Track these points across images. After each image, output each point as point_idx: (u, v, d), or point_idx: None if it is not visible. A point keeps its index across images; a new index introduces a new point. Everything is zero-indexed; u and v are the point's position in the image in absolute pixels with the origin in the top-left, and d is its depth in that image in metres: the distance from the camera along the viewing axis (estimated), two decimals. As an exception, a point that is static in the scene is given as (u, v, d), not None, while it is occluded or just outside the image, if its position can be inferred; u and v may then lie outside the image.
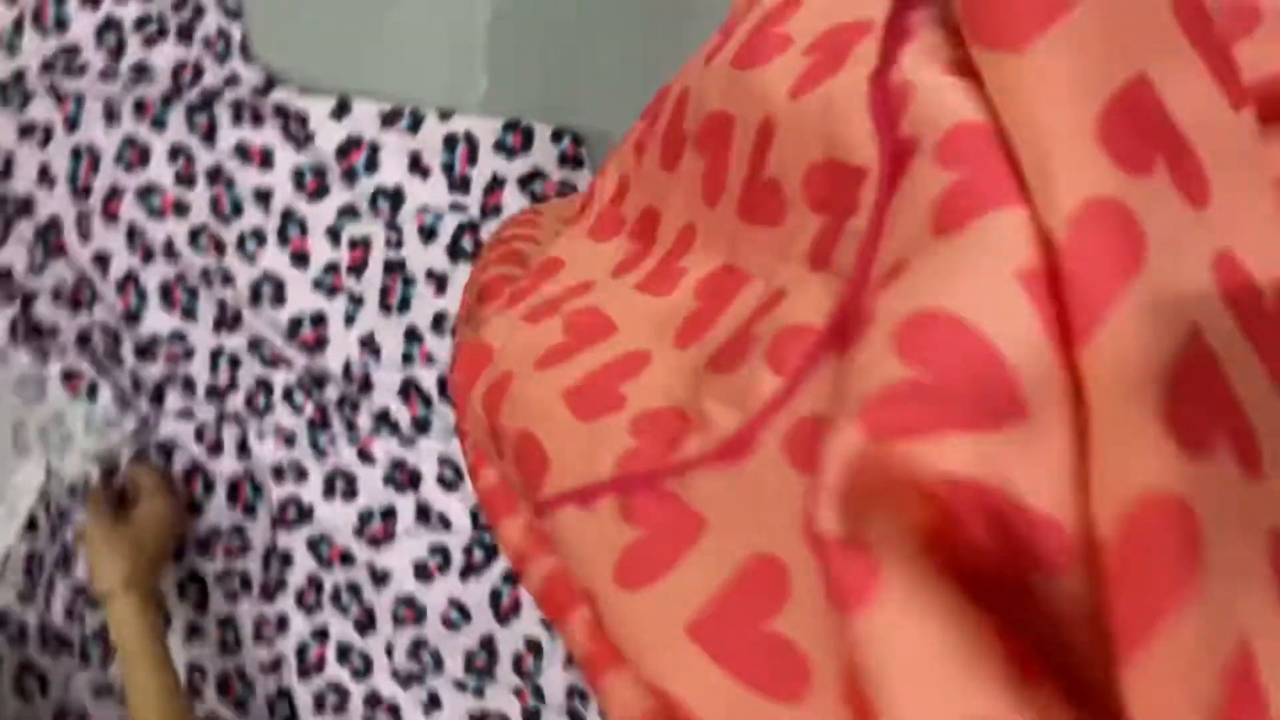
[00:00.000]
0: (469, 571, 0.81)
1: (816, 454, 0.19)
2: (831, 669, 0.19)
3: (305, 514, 0.84)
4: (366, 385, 0.82)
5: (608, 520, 0.25)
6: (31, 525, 0.90)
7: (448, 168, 0.78)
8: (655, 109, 0.35)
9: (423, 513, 0.82)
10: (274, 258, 0.83)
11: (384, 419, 0.82)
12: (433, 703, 0.83)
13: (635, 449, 0.26)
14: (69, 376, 0.89)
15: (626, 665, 0.23)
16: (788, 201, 0.25)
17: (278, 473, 0.84)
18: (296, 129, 0.80)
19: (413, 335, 0.80)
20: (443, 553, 0.81)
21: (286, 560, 0.85)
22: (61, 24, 0.86)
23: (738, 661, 0.21)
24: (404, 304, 0.80)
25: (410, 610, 0.82)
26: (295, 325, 0.83)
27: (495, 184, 0.77)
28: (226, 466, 0.86)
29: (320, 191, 0.81)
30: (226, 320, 0.85)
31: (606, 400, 0.28)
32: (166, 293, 0.86)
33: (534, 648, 0.80)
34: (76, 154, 0.87)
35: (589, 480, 0.26)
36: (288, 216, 0.82)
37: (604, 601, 0.24)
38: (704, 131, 0.29)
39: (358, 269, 0.81)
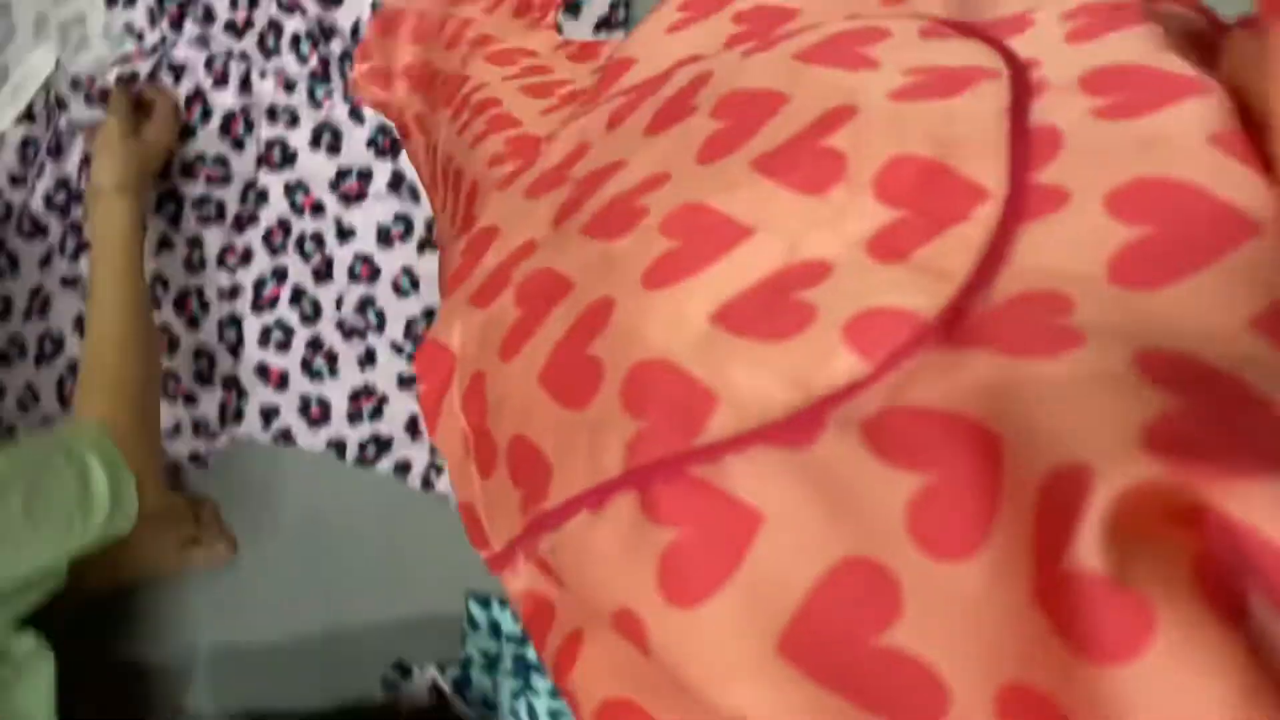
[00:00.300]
0: (427, 245, 0.86)
1: (926, 450, 0.18)
2: (980, 691, 0.17)
3: (289, 158, 0.89)
4: (371, 47, 0.85)
5: (627, 523, 0.22)
6: (29, 115, 0.94)
7: None
8: (648, 89, 0.33)
9: (396, 180, 0.86)
10: None
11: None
12: (369, 358, 0.89)
13: (642, 431, 0.23)
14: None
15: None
16: (848, 177, 0.24)
17: (271, 114, 0.89)
18: None
19: (424, 7, 0.83)
20: (405, 222, 0.86)
21: (262, 198, 0.90)
22: None
23: (849, 681, 0.19)
24: (422, -26, 0.83)
25: (366, 268, 0.88)
26: None
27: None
28: (227, 99, 0.90)
29: None
30: None
31: (587, 373, 0.24)
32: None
33: (470, 327, 0.86)
34: None
35: (598, 479, 0.23)
36: None
37: (652, 622, 0.21)
38: (737, 102, 0.28)
39: None
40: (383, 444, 0.90)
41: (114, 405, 0.73)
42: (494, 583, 0.86)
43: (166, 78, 0.91)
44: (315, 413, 0.91)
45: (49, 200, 0.95)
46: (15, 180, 0.96)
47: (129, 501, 0.72)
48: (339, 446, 0.91)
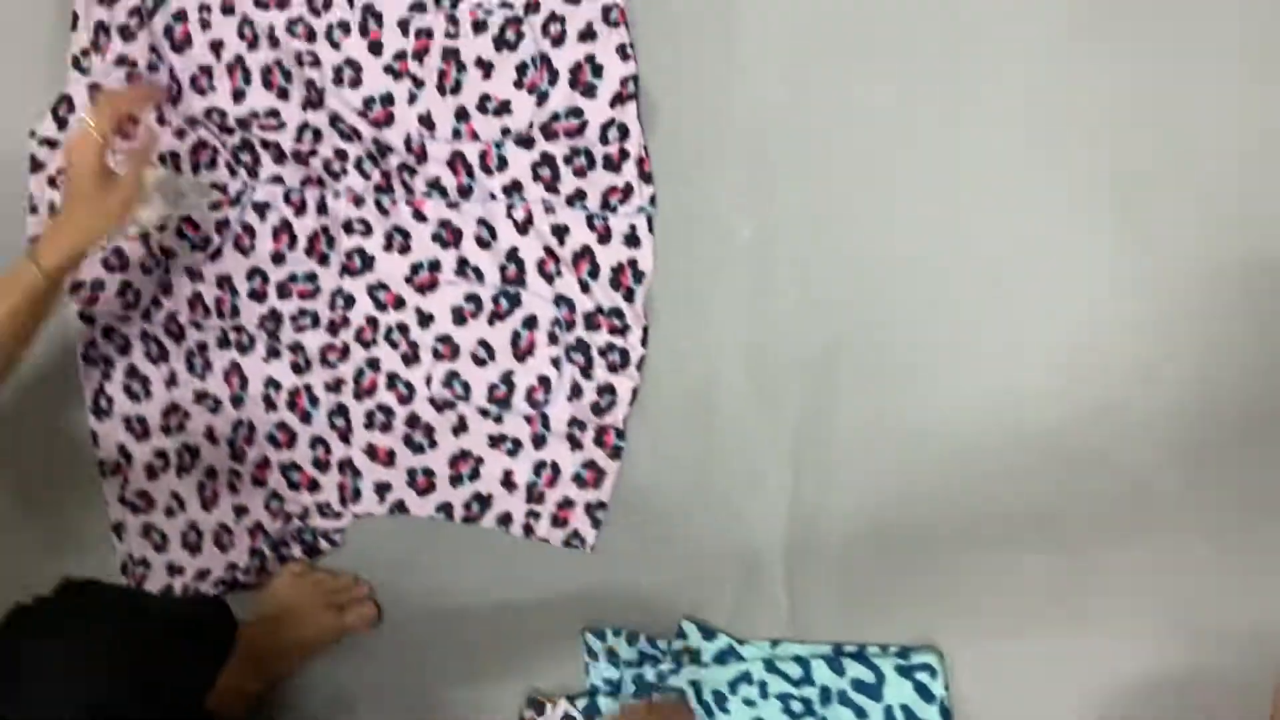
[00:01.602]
0: (495, 317, 0.98)
1: None
2: None
3: (368, 263, 1.02)
4: (423, 156, 0.98)
5: None
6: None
7: (499, -30, 0.92)
8: None
9: (461, 265, 0.98)
10: (354, 45, 0.99)
11: (435, 185, 0.98)
12: (461, 425, 1.00)
13: None
14: (197, 148, 1.07)
15: None
16: None
17: (347, 227, 1.02)
18: (378, -68, 0.96)
19: (462, 114, 0.96)
20: (475, 300, 0.98)
21: (350, 301, 1.03)
22: None
23: None
24: (456, 87, 0.95)
25: (447, 347, 1.00)
26: (368, 104, 0.99)
27: (538, -15, 0.91)
28: (308, 223, 1.03)
29: (395, -11, 0.97)
30: (313, 99, 1.01)
31: None
32: (267, 75, 1.03)
33: (544, 383, 0.96)
34: (200, -46, 1.04)
35: None
36: (368, 10, 0.98)
37: None
38: None
39: (420, 55, 0.96)
40: (484, 501, 1.00)
41: None
42: (603, 614, 0.96)
43: (253, 216, 1.05)
44: (422, 482, 1.02)
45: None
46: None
47: None
48: (446, 509, 1.02)
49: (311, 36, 1.00)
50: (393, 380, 1.02)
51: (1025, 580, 0.84)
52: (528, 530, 0.99)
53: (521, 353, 0.97)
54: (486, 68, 0.94)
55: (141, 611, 0.90)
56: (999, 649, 0.84)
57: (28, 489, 1.21)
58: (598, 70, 0.91)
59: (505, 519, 1.00)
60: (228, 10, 1.03)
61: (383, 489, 1.03)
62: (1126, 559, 0.80)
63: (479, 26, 0.94)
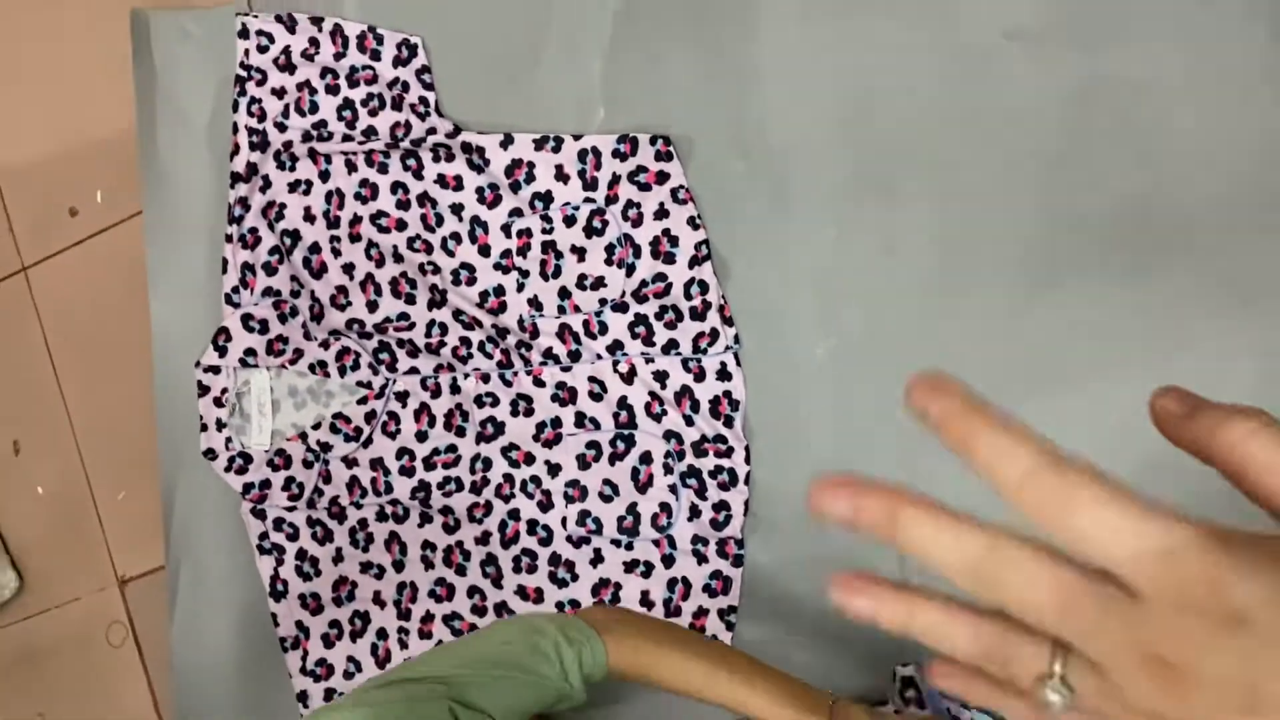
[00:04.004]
0: (615, 458, 1.13)
1: None
2: None
3: (499, 429, 1.19)
4: (535, 332, 1.16)
5: None
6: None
7: (581, 173, 1.12)
8: None
9: (580, 418, 1.15)
10: (466, 251, 1.19)
11: (549, 354, 1.15)
12: (597, 558, 1.15)
13: None
14: (341, 355, 1.26)
15: None
16: None
17: (478, 401, 1.19)
18: (477, 159, 1.17)
19: (564, 293, 1.14)
20: (595, 446, 1.14)
21: (487, 464, 1.19)
22: (314, 107, 1.26)
23: None
24: (557, 272, 1.14)
25: (576, 490, 1.15)
26: (484, 297, 1.18)
27: (614, 180, 1.11)
28: (443, 404, 1.21)
29: (495, 201, 1.17)
30: (436, 300, 1.21)
31: None
32: (395, 285, 1.23)
33: (665, 509, 1.11)
34: (328, 196, 1.25)
35: None
36: (474, 221, 1.18)
37: None
38: None
39: (523, 251, 1.16)
40: (626, 621, 1.13)
41: None
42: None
43: (396, 405, 1.23)
44: (570, 613, 1.16)
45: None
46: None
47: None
48: (594, 634, 1.15)
49: (429, 249, 1.20)
50: (532, 526, 1.17)
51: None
52: (668, 642, 1.12)
53: (642, 485, 1.12)
54: (580, 253, 1.13)
55: None
56: None
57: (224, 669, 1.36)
58: (674, 240, 1.09)
59: (647, 635, 1.13)
60: (355, 238, 1.24)
61: (536, 624, 1.17)
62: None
63: (569, 221, 1.13)
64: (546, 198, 1.15)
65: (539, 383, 1.17)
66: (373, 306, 1.24)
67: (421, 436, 1.22)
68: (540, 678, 0.81)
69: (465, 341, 1.20)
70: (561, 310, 1.15)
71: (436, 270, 1.20)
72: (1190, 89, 0.92)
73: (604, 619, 0.89)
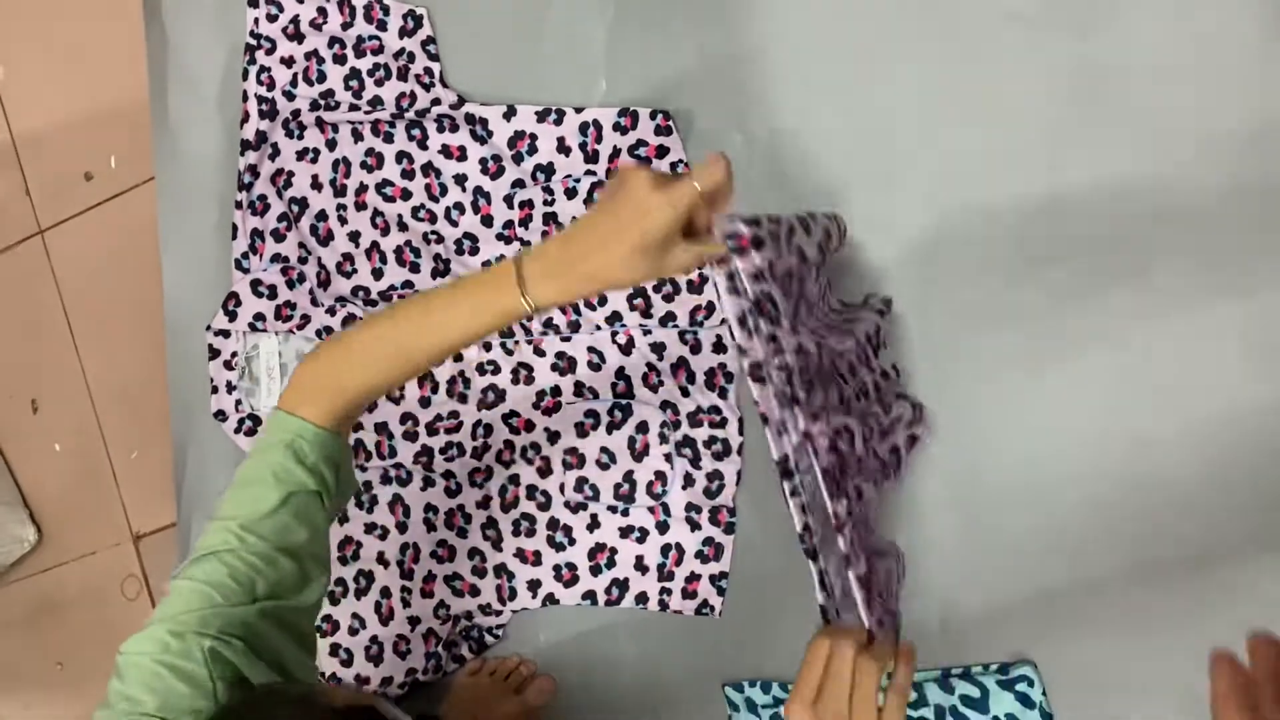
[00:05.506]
0: (612, 427, 1.16)
1: None
2: None
3: (500, 396, 1.21)
4: (536, 302, 1.18)
5: None
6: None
7: (583, 146, 1.14)
8: None
9: (578, 388, 1.17)
10: (469, 222, 1.21)
11: (549, 324, 1.18)
12: (594, 522, 1.18)
13: None
14: (346, 322, 1.29)
15: None
16: None
17: (479, 369, 1.22)
18: (480, 130, 1.18)
19: (565, 264, 1.16)
20: (594, 415, 1.17)
21: (489, 431, 1.22)
22: (322, 76, 1.28)
23: None
24: (558, 243, 1.16)
25: (575, 457, 1.18)
26: (486, 266, 1.20)
27: (615, 153, 1.12)
28: (446, 370, 1.24)
29: (498, 172, 1.19)
30: (440, 269, 1.23)
31: None
32: (399, 254, 1.25)
33: (660, 477, 1.14)
34: (335, 165, 1.27)
35: None
36: (478, 191, 1.20)
37: None
38: None
39: (525, 222, 1.18)
40: (622, 585, 1.17)
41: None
42: (737, 669, 1.11)
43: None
44: (567, 575, 1.19)
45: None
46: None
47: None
48: (590, 597, 1.18)
49: (433, 218, 1.22)
50: (531, 491, 1.20)
51: (1114, 594, 0.96)
52: (663, 605, 1.15)
53: (638, 454, 1.15)
54: (581, 224, 1.15)
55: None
56: (1092, 654, 0.96)
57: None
58: (672, 214, 1.11)
59: (642, 598, 1.16)
60: (360, 206, 1.26)
61: (534, 585, 1.21)
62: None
63: (570, 193, 1.15)
64: (548, 169, 1.16)
65: (539, 352, 1.19)
66: (378, 274, 1.26)
67: (424, 403, 1.25)
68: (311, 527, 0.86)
69: (468, 310, 1.22)
70: (562, 281, 1.16)
71: (440, 239, 1.22)
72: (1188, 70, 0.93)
73: (290, 393, 0.85)
